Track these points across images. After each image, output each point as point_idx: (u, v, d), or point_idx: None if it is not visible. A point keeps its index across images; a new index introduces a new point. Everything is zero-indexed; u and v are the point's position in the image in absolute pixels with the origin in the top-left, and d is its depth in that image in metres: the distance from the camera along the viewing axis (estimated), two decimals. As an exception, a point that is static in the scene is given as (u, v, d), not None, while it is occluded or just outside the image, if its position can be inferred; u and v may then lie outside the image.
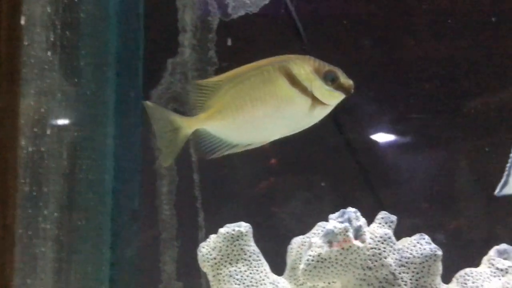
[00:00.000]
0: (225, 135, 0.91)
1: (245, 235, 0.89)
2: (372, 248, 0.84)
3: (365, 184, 1.39)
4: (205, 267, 0.89)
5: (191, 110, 0.91)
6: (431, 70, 1.41)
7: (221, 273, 0.88)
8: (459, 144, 1.47)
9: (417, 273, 0.84)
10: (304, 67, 0.89)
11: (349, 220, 0.84)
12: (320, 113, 0.91)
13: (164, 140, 0.92)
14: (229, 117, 0.90)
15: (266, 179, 1.36)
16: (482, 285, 0.85)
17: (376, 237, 0.84)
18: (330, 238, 0.83)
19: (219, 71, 1.26)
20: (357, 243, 0.83)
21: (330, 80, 0.90)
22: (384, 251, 0.84)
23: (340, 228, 0.82)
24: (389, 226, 0.86)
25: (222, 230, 0.89)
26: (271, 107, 0.89)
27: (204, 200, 1.31)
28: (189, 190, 1.32)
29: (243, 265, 0.88)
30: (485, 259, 0.89)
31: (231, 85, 0.90)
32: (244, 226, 0.89)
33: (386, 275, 0.84)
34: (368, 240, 0.84)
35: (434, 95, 1.41)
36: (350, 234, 0.82)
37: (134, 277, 1.24)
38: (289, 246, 0.93)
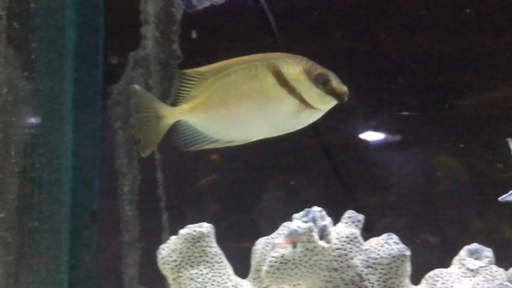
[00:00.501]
0: (206, 129, 0.90)
1: (207, 236, 0.88)
2: (337, 249, 0.83)
3: (339, 183, 1.39)
4: (165, 269, 0.89)
5: (175, 100, 0.90)
6: (405, 64, 1.42)
7: (181, 276, 0.88)
8: (435, 141, 1.48)
9: (385, 274, 0.84)
10: (294, 67, 0.88)
11: (314, 220, 0.83)
12: (308, 117, 0.90)
13: (144, 129, 0.91)
14: (212, 111, 0.89)
15: (236, 177, 1.35)
16: (452, 286, 0.86)
17: (342, 237, 0.84)
18: (294, 238, 0.82)
19: (183, 65, 1.25)
20: (322, 243, 0.83)
21: (321, 83, 0.88)
22: (351, 252, 0.84)
23: (304, 228, 0.82)
24: (356, 225, 0.86)
25: (182, 231, 0.89)
26: (256, 104, 0.89)
27: (168, 200, 1.31)
28: (152, 189, 1.31)
29: (205, 268, 0.88)
30: (455, 259, 0.89)
31: (216, 77, 0.89)
32: (205, 227, 0.89)
33: (353, 276, 0.84)
34: (334, 241, 0.83)
35: (408, 90, 1.42)
36: (315, 234, 0.82)
37: (94, 281, 1.23)
38: (254, 247, 0.93)
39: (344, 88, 0.89)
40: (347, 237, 0.84)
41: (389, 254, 0.84)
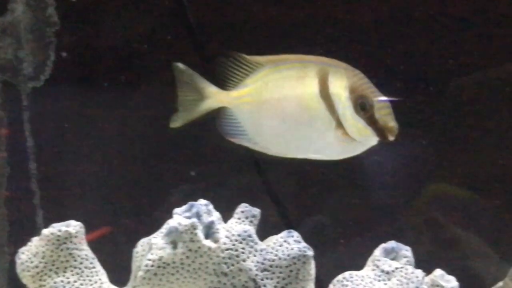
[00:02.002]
0: (246, 125, 0.89)
1: (75, 236, 0.84)
2: (228, 249, 0.80)
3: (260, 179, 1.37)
4: (24, 277, 0.85)
5: (222, 83, 0.90)
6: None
7: (44, 285, 0.84)
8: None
9: (283, 279, 0.81)
10: (341, 78, 0.84)
11: (199, 215, 0.80)
12: (343, 146, 0.85)
13: (185, 103, 0.91)
14: (254, 106, 0.88)
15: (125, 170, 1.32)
16: (363, 293, 0.83)
17: (233, 235, 0.81)
18: (174, 237, 0.79)
19: (61, 33, 1.23)
20: (208, 243, 0.79)
21: (361, 107, 0.83)
22: (243, 253, 0.81)
23: (185, 225, 0.78)
24: (251, 221, 0.83)
25: (45, 231, 0.84)
26: (294, 112, 0.86)
27: (44, 195, 1.26)
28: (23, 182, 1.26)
29: (72, 274, 0.85)
30: (369, 260, 0.87)
31: (271, 70, 0.88)
32: (73, 226, 0.85)
33: (246, 281, 0.81)
34: (223, 240, 0.80)
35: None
36: (199, 232, 0.79)
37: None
38: (134, 249, 0.89)
39: (391, 124, 0.83)
40: (239, 235, 0.81)
41: (288, 255, 0.81)
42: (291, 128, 0.87)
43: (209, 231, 0.80)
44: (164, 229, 0.81)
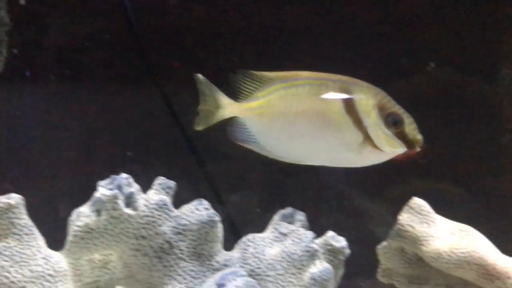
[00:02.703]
0: (258, 134, 0.94)
1: (16, 207, 0.92)
2: (146, 216, 0.90)
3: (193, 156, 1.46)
4: None
5: (236, 95, 0.95)
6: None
7: (-12, 250, 0.92)
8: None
9: (194, 240, 0.92)
10: (369, 98, 0.89)
11: (120, 187, 0.90)
12: (370, 156, 0.91)
13: (204, 110, 0.96)
14: (269, 117, 0.92)
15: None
16: (263, 251, 0.94)
17: (151, 204, 0.91)
18: (98, 206, 0.89)
19: (12, 34, 1.29)
20: (128, 211, 0.89)
21: (393, 123, 0.89)
22: (159, 219, 0.91)
23: (108, 196, 0.88)
24: (167, 192, 0.93)
25: (-11, 203, 0.93)
26: (315, 125, 0.91)
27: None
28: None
29: (13, 240, 0.91)
30: (270, 224, 0.97)
31: (283, 85, 0.92)
32: (14, 198, 0.93)
33: (162, 243, 0.91)
34: (142, 208, 0.90)
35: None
36: (120, 201, 0.89)
37: None
38: (70, 218, 0.98)
39: (418, 137, 0.90)
40: (156, 204, 0.91)
41: (198, 220, 0.92)
42: (310, 141, 0.91)
43: (130, 201, 0.90)
44: (90, 200, 0.91)
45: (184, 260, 0.91)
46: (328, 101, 0.90)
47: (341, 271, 1.02)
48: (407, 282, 1.04)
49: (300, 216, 0.97)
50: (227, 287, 0.78)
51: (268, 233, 0.96)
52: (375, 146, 0.90)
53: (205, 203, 0.93)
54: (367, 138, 0.90)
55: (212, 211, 0.93)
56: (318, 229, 0.97)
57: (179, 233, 0.91)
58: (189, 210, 0.93)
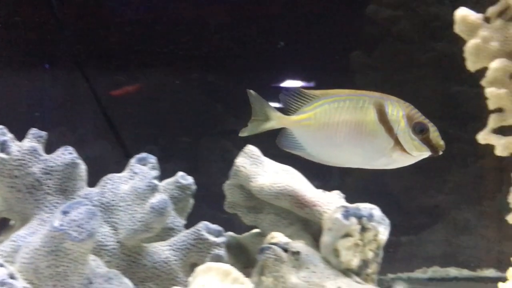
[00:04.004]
0: (305, 143, 1.03)
1: None
2: (18, 160, 1.05)
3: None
4: None
5: (287, 110, 1.04)
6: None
7: None
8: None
9: (60, 179, 1.08)
10: (398, 110, 0.99)
11: (-4, 136, 1.05)
12: (399, 159, 1.00)
13: (253, 121, 1.05)
14: (315, 128, 1.02)
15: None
16: (118, 187, 1.10)
17: (23, 150, 1.06)
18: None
19: None
20: (2, 155, 1.04)
21: (419, 131, 0.98)
22: (30, 162, 1.06)
23: (-13, 143, 1.03)
24: (38, 140, 1.08)
25: None
26: (353, 133, 1.00)
27: None
28: None
29: None
30: (127, 165, 1.13)
31: (327, 100, 1.02)
32: None
33: (32, 181, 1.06)
34: (15, 153, 1.05)
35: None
36: (-5, 148, 1.04)
37: None
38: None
39: (441, 142, 0.99)
40: (27, 150, 1.06)
41: (63, 163, 1.07)
42: (349, 146, 1.01)
43: (3, 147, 1.05)
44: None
45: (51, 195, 1.07)
46: (364, 113, 1.00)
47: (190, 203, 1.21)
48: (247, 212, 1.23)
49: (152, 159, 1.13)
50: (71, 213, 0.92)
51: (124, 173, 1.13)
52: (404, 150, 1.00)
53: (70, 148, 1.09)
54: (397, 144, 1.00)
55: (75, 155, 1.08)
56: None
57: (47, 173, 1.07)
58: (56, 154, 1.08)
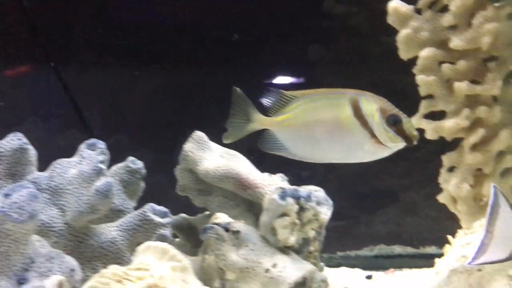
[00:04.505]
0: (286, 142, 1.05)
1: None
2: (-32, 145, 1.08)
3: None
4: None
5: (267, 111, 1.05)
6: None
7: None
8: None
9: (9, 164, 1.10)
10: (372, 104, 1.01)
11: None
12: (375, 151, 1.02)
13: (234, 124, 1.06)
14: (294, 128, 1.04)
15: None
16: (66, 171, 1.12)
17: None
18: None
19: None
20: (-48, 141, 1.07)
21: (393, 123, 1.00)
22: (-21, 149, 1.09)
23: None
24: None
25: None
26: (330, 129, 1.02)
27: None
28: None
29: None
30: (76, 152, 1.16)
31: (305, 101, 1.03)
32: None
33: (-17, 167, 1.09)
34: (-35, 139, 1.08)
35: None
36: None
37: None
38: None
39: (415, 132, 1.01)
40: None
41: (11, 148, 1.10)
42: (327, 142, 1.03)
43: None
44: None
45: (1, 179, 1.10)
46: (340, 109, 1.02)
47: (141, 186, 1.24)
48: (197, 195, 1.27)
49: (101, 145, 1.15)
50: (12, 196, 0.94)
51: (74, 158, 1.15)
52: (380, 142, 1.01)
53: (20, 135, 1.11)
54: (373, 137, 1.01)
55: (24, 140, 1.11)
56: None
57: (-3, 159, 1.10)
58: (6, 140, 1.11)
